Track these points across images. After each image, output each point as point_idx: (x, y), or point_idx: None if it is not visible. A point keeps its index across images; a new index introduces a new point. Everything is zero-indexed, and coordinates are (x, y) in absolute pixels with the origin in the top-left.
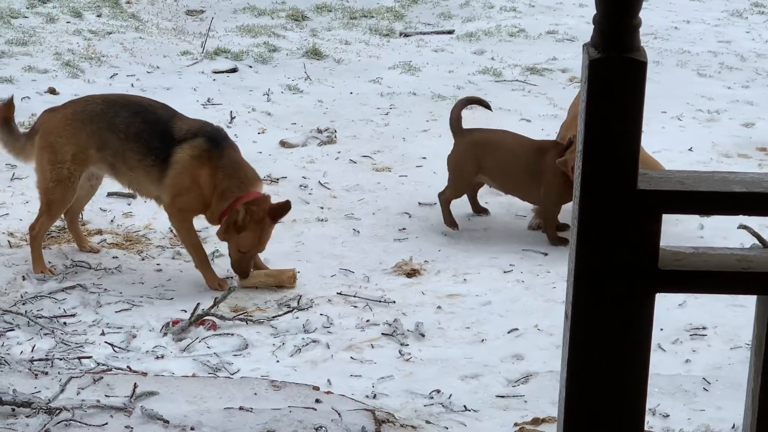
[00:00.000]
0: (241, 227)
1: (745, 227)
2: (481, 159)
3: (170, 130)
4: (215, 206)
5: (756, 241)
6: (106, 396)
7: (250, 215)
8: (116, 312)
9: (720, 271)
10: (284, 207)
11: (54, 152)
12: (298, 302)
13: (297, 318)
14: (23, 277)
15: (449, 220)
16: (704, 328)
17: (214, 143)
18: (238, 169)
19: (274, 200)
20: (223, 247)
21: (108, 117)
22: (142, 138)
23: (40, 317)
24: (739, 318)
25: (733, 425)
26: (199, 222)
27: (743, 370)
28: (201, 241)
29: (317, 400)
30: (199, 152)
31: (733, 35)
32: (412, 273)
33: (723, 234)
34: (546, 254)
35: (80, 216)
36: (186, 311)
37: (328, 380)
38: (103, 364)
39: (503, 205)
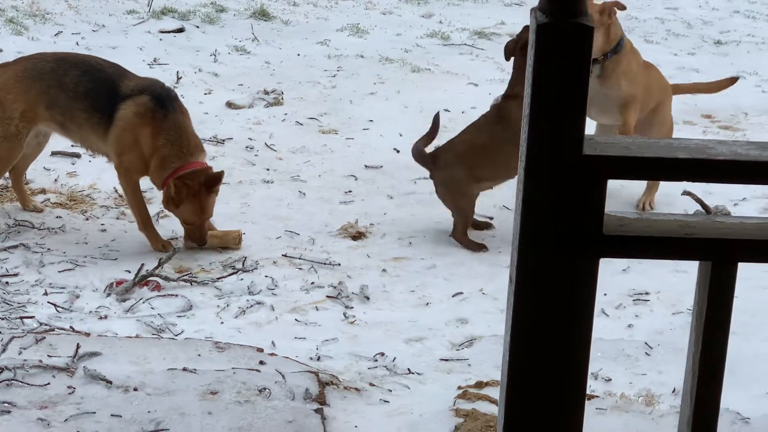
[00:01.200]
0: (178, 201)
1: (689, 193)
2: (473, 167)
3: (117, 88)
4: (155, 172)
5: (699, 208)
6: (48, 356)
7: (185, 189)
8: (59, 272)
9: (663, 237)
10: (217, 177)
11: (2, 108)
12: (243, 264)
13: (242, 280)
14: None
15: (475, 246)
16: (647, 293)
17: (160, 103)
18: (180, 136)
19: (219, 163)
20: None
21: (58, 75)
22: (89, 96)
23: None
24: (682, 284)
25: (674, 389)
26: (146, 183)
27: (684, 335)
28: (146, 201)
29: (261, 362)
30: (143, 110)
31: (680, 2)
32: (357, 236)
33: (668, 201)
34: (491, 218)
35: (24, 175)
36: (130, 272)
37: (273, 342)
38: (46, 324)
39: None
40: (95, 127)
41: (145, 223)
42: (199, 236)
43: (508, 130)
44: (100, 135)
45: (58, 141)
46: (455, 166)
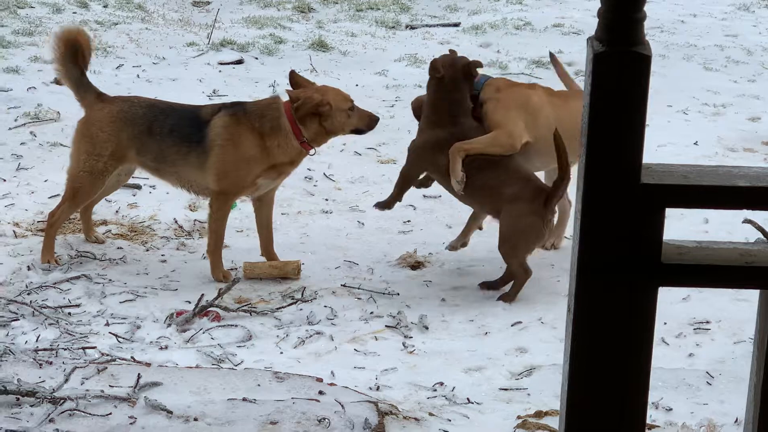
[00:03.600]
0: (320, 107)
1: (749, 221)
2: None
3: (198, 116)
4: (275, 145)
5: (760, 236)
6: (110, 386)
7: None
8: (120, 302)
9: (723, 266)
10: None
11: (93, 144)
12: (303, 294)
13: (301, 310)
14: (28, 267)
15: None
16: (708, 322)
17: (235, 108)
18: (258, 106)
19: (279, 193)
20: (232, 240)
21: (148, 121)
22: (174, 131)
23: (44, 307)
24: (743, 312)
25: (736, 419)
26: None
27: (746, 364)
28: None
29: (320, 392)
30: (229, 119)
31: (739, 29)
32: (416, 265)
33: (727, 228)
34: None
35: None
36: (190, 302)
37: (332, 372)
38: (107, 355)
39: None
40: (187, 157)
41: (217, 249)
42: (367, 116)
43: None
44: (195, 164)
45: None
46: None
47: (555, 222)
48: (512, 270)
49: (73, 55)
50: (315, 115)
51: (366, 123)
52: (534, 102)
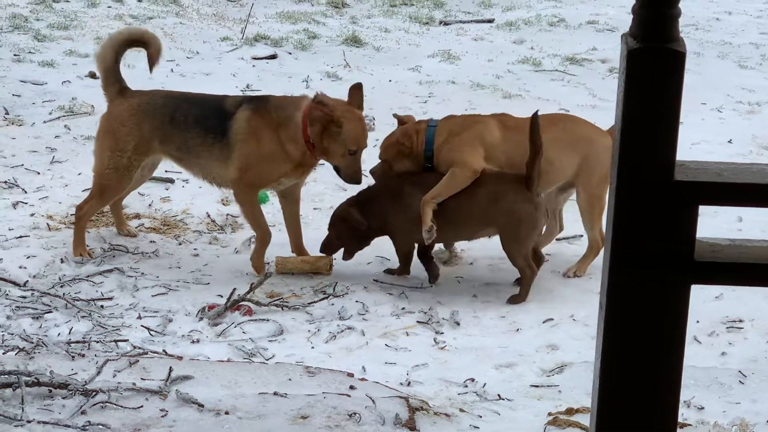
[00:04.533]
0: (333, 121)
1: None
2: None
3: (223, 107)
4: (288, 138)
5: None
6: (141, 379)
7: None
8: (153, 296)
9: (757, 264)
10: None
11: (116, 140)
12: (334, 289)
13: (333, 305)
14: (61, 259)
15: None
16: (741, 320)
17: (257, 101)
18: (280, 101)
19: (312, 188)
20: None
21: (169, 110)
22: (198, 122)
23: (77, 300)
24: None
25: None
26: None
27: None
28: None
29: (351, 387)
30: (251, 113)
31: None
32: (447, 261)
33: (761, 226)
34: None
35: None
36: (222, 296)
37: (363, 367)
38: (139, 348)
39: None
40: (211, 149)
41: (264, 242)
42: (356, 171)
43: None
44: (218, 157)
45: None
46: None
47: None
48: (519, 268)
49: (123, 51)
50: (323, 127)
51: (350, 174)
52: (488, 136)
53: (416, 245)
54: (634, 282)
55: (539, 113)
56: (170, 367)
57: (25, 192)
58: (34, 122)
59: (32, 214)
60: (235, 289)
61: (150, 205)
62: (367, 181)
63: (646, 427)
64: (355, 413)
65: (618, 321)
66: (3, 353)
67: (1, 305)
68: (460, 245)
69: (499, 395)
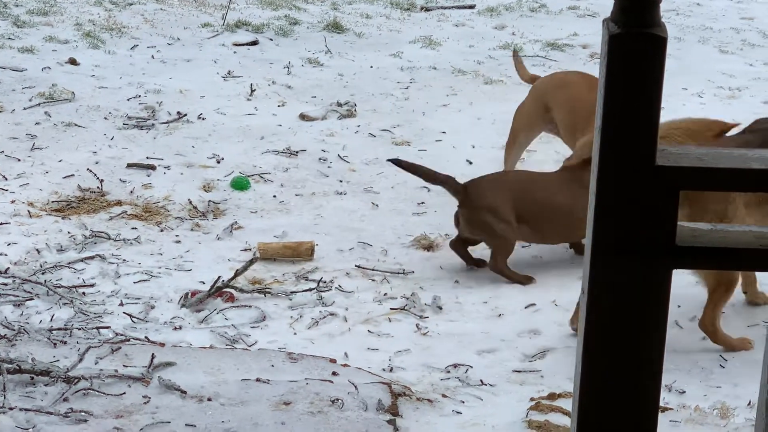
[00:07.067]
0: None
1: None
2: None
3: None
4: None
5: None
6: (124, 366)
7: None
8: (135, 283)
9: (738, 248)
10: None
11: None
12: (318, 278)
13: (315, 291)
14: (43, 246)
15: (522, 278)
16: None
17: None
18: None
19: (293, 174)
20: (246, 221)
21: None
22: None
23: (59, 287)
24: None
25: (749, 402)
26: (220, 194)
27: (760, 348)
28: (219, 212)
29: (334, 373)
30: None
31: (756, 12)
32: (430, 247)
33: None
34: None
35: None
36: (204, 283)
37: (345, 353)
38: (122, 335)
39: None
40: None
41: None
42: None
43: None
44: None
45: (133, 153)
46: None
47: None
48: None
49: None
50: None
51: None
52: None
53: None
54: (616, 267)
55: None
56: (152, 354)
57: (6, 179)
58: (14, 109)
59: (13, 201)
60: (219, 277)
61: (131, 191)
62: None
63: (628, 411)
64: (337, 399)
65: (600, 306)
66: None
67: None
68: (444, 230)
69: (481, 381)
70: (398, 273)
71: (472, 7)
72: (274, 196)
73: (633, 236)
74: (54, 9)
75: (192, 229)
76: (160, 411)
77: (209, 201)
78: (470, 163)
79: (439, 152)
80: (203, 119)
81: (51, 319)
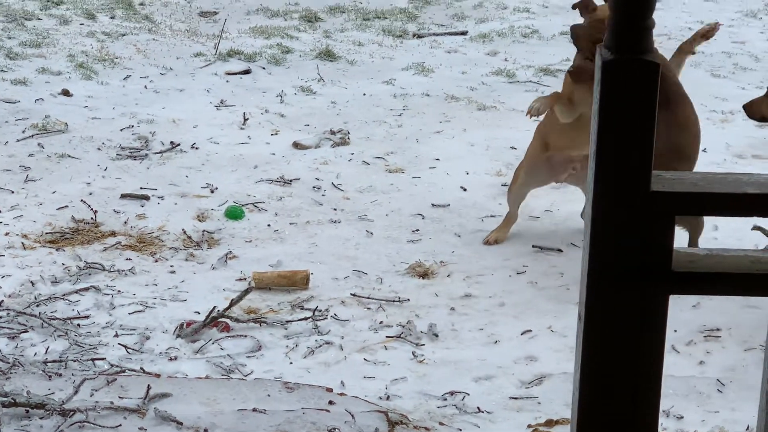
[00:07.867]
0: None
1: (759, 228)
2: None
3: None
4: None
5: None
6: (119, 398)
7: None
8: (129, 314)
9: (734, 273)
10: None
11: None
12: (314, 310)
13: (310, 320)
14: (37, 278)
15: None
16: (718, 329)
17: None
18: None
19: (287, 203)
20: (240, 250)
21: None
22: None
23: (53, 319)
24: (753, 319)
25: (747, 427)
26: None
27: (757, 372)
28: (214, 242)
29: (330, 402)
30: None
31: (747, 36)
32: (425, 274)
33: (737, 235)
34: (561, 250)
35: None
36: (199, 313)
37: (342, 382)
38: (117, 366)
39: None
40: None
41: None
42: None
43: None
44: None
45: (127, 183)
46: None
47: None
48: None
49: None
50: None
51: None
52: None
53: None
54: (613, 293)
55: None
56: (148, 385)
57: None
58: (8, 141)
59: (7, 234)
60: (215, 307)
61: (125, 222)
62: None
63: None
64: (334, 428)
65: (597, 332)
66: None
67: None
68: (439, 258)
69: (478, 408)
70: (394, 301)
71: (464, 33)
72: (269, 225)
73: (629, 262)
74: (47, 41)
75: (186, 259)
76: None
77: (203, 231)
78: (464, 189)
79: (433, 179)
80: (196, 149)
81: (46, 352)
